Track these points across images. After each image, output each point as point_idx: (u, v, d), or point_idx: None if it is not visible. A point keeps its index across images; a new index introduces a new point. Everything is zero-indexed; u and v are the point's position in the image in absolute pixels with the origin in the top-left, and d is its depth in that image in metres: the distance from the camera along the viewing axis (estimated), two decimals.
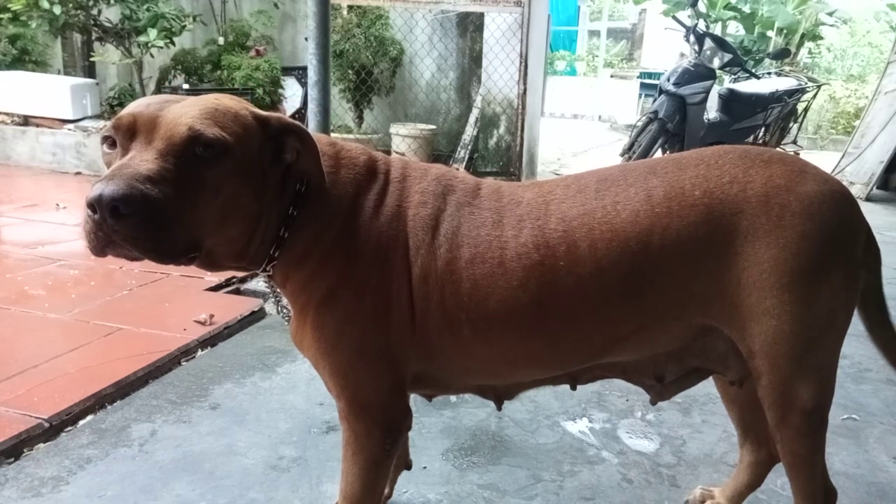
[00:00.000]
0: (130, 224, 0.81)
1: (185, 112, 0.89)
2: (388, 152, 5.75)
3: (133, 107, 0.92)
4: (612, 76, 12.83)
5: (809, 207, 1.01)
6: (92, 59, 5.38)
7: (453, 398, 1.85)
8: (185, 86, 5.15)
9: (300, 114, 6.22)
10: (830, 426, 1.29)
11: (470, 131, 5.78)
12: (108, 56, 5.10)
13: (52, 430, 1.62)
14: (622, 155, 5.70)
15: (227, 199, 0.91)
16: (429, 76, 5.99)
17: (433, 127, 5.80)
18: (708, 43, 5.39)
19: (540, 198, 1.10)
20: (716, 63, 5.42)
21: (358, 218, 1.04)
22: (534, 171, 5.94)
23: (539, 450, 1.64)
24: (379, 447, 1.08)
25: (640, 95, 11.67)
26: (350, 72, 5.47)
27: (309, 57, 2.82)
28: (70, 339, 2.11)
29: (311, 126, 2.99)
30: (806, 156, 7.60)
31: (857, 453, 1.68)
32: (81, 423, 1.67)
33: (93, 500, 1.38)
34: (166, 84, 5.44)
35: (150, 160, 0.84)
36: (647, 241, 1.01)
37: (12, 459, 1.51)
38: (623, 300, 1.03)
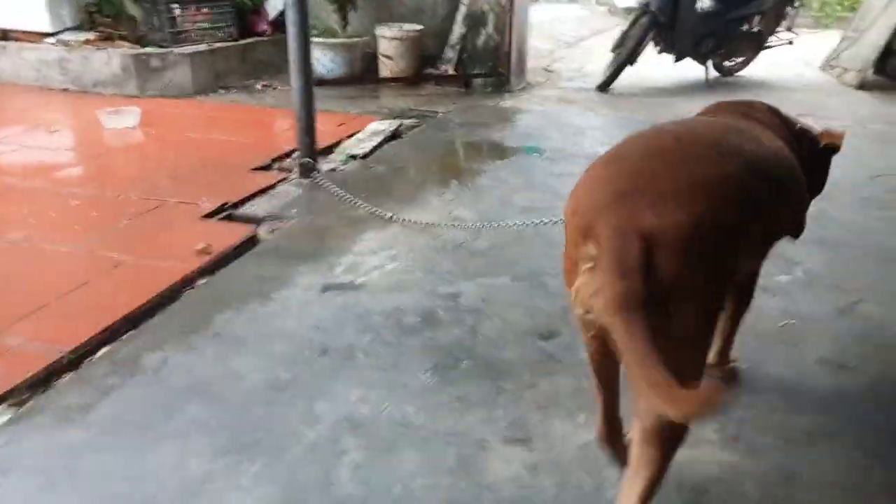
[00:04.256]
0: None
1: None
2: (374, 55, 5.66)
3: None
4: None
5: None
6: None
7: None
8: None
9: (283, 15, 6.05)
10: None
11: (457, 31, 5.66)
12: None
13: (73, 362, 1.83)
14: (613, 51, 5.62)
15: None
16: None
17: (420, 27, 5.67)
18: None
19: None
20: None
21: None
22: (523, 69, 5.87)
23: (505, 364, 1.85)
24: None
25: None
26: None
27: None
28: (79, 272, 2.28)
29: (291, 32, 3.05)
30: (808, 36, 7.38)
31: (790, 355, 1.89)
32: (98, 354, 1.88)
33: (118, 423, 1.61)
34: None
35: None
36: None
37: (43, 389, 1.73)
38: None
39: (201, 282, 2.29)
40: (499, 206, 3.02)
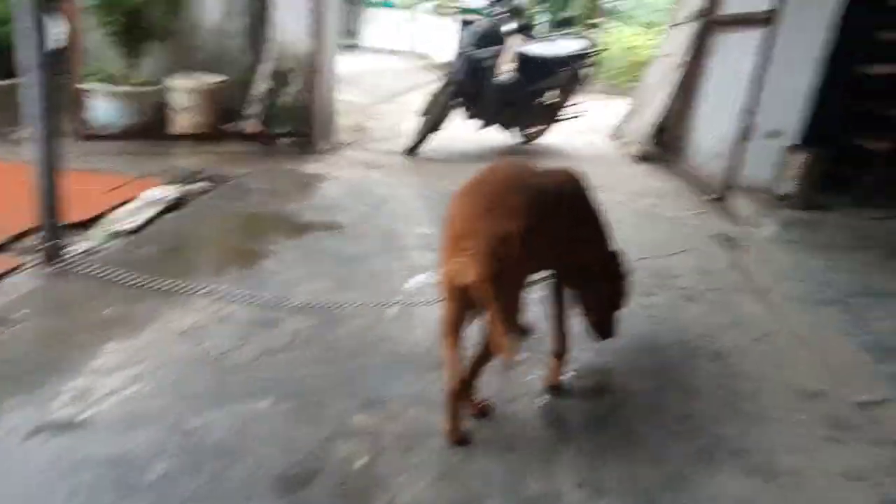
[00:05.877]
0: None
1: None
2: (163, 105, 5.18)
3: None
4: (433, 10, 12.61)
5: None
6: None
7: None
8: None
9: (65, 55, 5.35)
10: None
11: (261, 85, 5.38)
12: None
13: None
14: (421, 115, 5.66)
15: None
16: (216, 19, 5.44)
17: (220, 78, 5.31)
18: (499, 9, 5.42)
19: None
20: (504, 28, 5.48)
21: None
22: (331, 129, 5.71)
23: None
24: None
25: (459, 33, 11.60)
26: (117, 15, 4.77)
27: None
28: None
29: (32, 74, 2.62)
30: (600, 104, 8.13)
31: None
32: None
33: None
34: None
35: None
36: None
37: None
38: None
39: None
40: (279, 299, 2.78)
